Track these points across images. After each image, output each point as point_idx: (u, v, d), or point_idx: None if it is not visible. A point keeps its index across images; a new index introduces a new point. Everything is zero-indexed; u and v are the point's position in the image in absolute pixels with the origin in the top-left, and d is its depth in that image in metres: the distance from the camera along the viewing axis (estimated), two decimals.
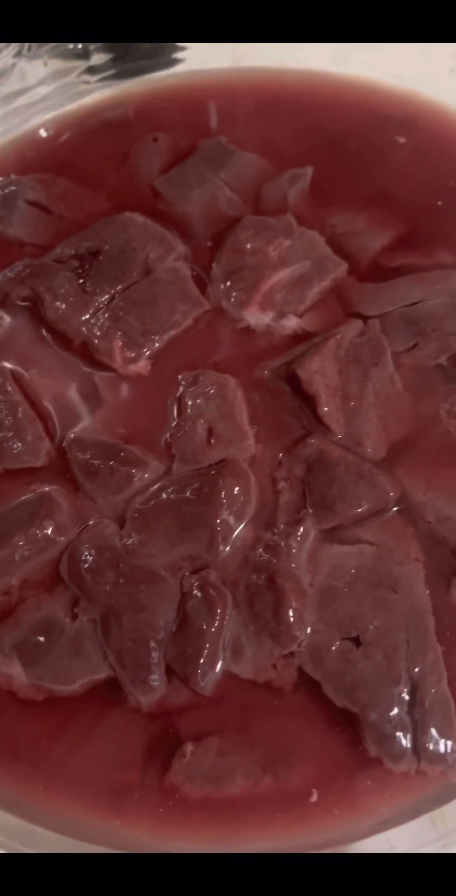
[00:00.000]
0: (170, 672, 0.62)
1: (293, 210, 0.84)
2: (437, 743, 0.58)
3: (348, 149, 0.90)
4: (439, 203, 0.84)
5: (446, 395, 0.71)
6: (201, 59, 0.98)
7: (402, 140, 0.90)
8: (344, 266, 0.79)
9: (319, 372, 0.70)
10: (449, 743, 0.58)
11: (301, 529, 0.65)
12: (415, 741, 0.58)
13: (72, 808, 0.60)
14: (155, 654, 0.61)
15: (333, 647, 0.61)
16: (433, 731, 0.58)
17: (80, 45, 0.94)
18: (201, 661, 0.61)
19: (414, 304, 0.75)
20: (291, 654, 0.61)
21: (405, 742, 0.58)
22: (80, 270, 0.79)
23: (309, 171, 0.87)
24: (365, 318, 0.75)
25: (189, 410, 0.71)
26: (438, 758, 0.58)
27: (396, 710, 0.58)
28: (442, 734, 0.58)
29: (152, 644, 0.62)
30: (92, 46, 0.95)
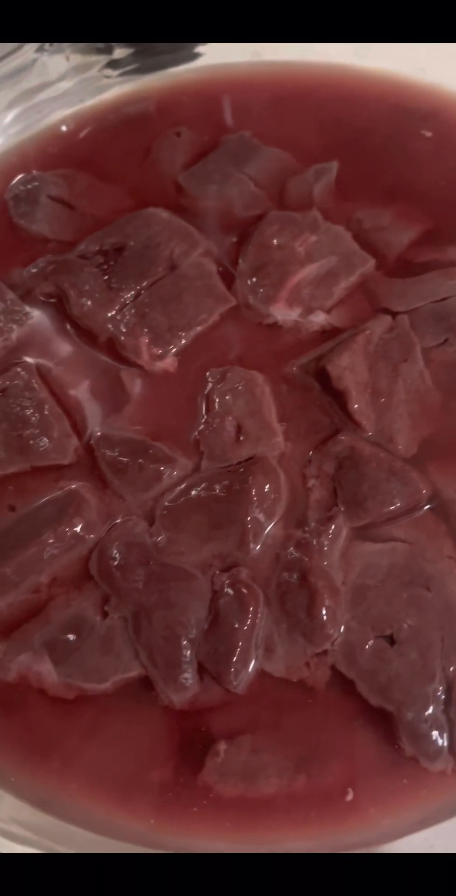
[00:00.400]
0: (202, 670, 0.61)
1: (319, 205, 0.83)
2: None
3: (372, 143, 0.89)
4: None
5: None
6: (222, 53, 0.98)
7: (427, 133, 0.90)
8: (371, 261, 0.78)
9: (349, 368, 0.69)
10: None
11: (333, 527, 0.64)
12: (451, 740, 0.58)
13: (104, 807, 0.59)
14: (187, 652, 0.61)
15: (367, 646, 0.60)
16: None
17: None
18: (234, 659, 0.60)
19: (443, 299, 0.74)
20: (325, 652, 0.61)
21: (441, 741, 0.58)
22: (105, 266, 0.79)
23: (334, 166, 0.86)
24: (394, 314, 0.74)
25: (217, 407, 0.70)
26: None
27: (431, 709, 0.58)
28: None
29: (184, 642, 0.61)
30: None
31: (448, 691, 0.59)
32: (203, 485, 0.67)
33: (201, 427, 0.70)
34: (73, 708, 0.62)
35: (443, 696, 0.58)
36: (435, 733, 0.58)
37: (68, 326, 0.78)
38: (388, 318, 0.74)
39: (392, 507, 0.65)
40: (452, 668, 0.59)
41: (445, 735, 0.58)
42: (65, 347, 0.77)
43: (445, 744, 0.57)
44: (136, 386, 0.74)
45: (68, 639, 0.63)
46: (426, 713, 0.58)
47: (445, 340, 0.72)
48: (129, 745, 0.61)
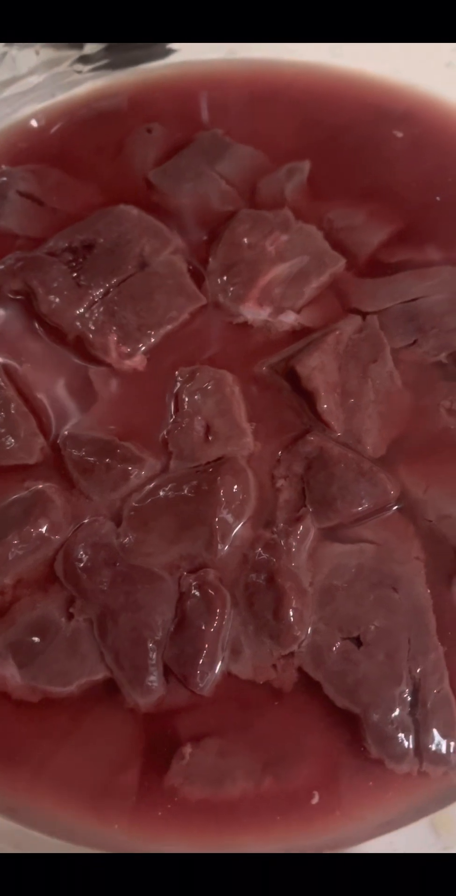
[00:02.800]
0: (168, 672, 0.61)
1: (290, 204, 0.83)
2: (439, 744, 0.57)
3: (346, 142, 0.89)
4: (438, 198, 0.84)
5: (446, 392, 0.70)
6: (196, 50, 0.97)
7: (399, 134, 0.90)
8: (342, 261, 0.78)
9: (319, 368, 0.69)
10: (451, 743, 0.57)
11: (301, 528, 0.64)
12: (417, 742, 0.57)
13: (69, 812, 0.59)
14: (153, 655, 0.60)
15: (334, 648, 0.60)
16: (435, 731, 0.57)
17: None
18: (200, 661, 0.60)
19: (413, 300, 0.74)
20: (292, 654, 0.61)
21: (407, 743, 0.57)
22: (74, 263, 0.78)
23: (306, 165, 0.86)
24: (364, 314, 0.75)
25: (186, 407, 0.70)
26: (440, 759, 0.57)
27: (397, 711, 0.58)
28: (444, 735, 0.57)
29: (150, 644, 0.61)
30: None
31: (414, 693, 0.58)
32: (171, 485, 0.66)
33: (170, 427, 0.70)
34: (38, 712, 0.61)
35: (409, 699, 0.58)
36: (401, 735, 0.57)
37: (36, 324, 0.77)
38: (358, 319, 0.74)
39: (360, 508, 0.65)
40: (418, 670, 0.59)
41: (410, 737, 0.57)
42: (32, 345, 0.76)
43: (411, 746, 0.57)
44: (104, 385, 0.73)
45: (33, 641, 0.62)
46: (392, 715, 0.58)
47: (415, 341, 0.72)
48: (94, 748, 0.60)
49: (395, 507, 0.66)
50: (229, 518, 0.65)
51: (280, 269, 0.77)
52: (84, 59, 0.95)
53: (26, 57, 0.92)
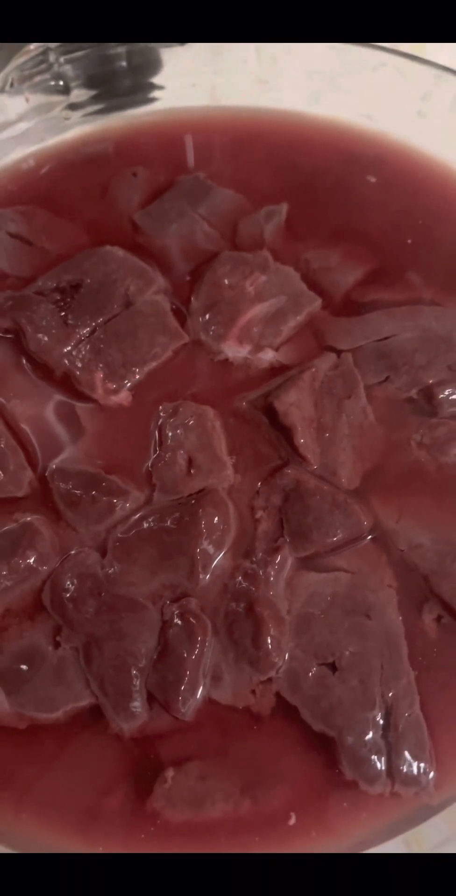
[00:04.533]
0: (151, 699, 0.63)
1: (269, 245, 0.86)
2: (410, 765, 0.60)
3: (321, 186, 0.93)
4: (409, 241, 0.87)
5: (417, 426, 0.74)
6: (179, 97, 1.01)
7: (372, 179, 0.94)
8: (318, 301, 0.81)
9: (295, 404, 0.72)
10: (422, 765, 0.60)
11: (279, 558, 0.67)
12: (389, 764, 0.60)
13: (54, 836, 0.60)
14: (136, 682, 0.63)
15: (310, 673, 0.63)
16: (407, 753, 0.60)
17: (61, 82, 0.96)
18: (182, 687, 0.62)
19: (385, 338, 0.78)
20: (270, 679, 0.63)
21: (380, 765, 0.60)
22: (62, 303, 0.81)
23: (284, 208, 0.89)
24: (338, 352, 0.78)
25: (169, 441, 0.73)
26: (411, 780, 0.60)
27: (370, 734, 0.60)
28: (415, 757, 0.60)
29: (134, 671, 0.63)
30: (73, 83, 0.97)
31: (387, 716, 0.61)
32: (154, 517, 0.69)
33: (154, 460, 0.72)
34: (26, 738, 0.63)
35: (382, 722, 0.61)
36: (374, 757, 0.60)
37: (24, 361, 0.79)
38: (333, 356, 0.77)
39: (335, 538, 0.67)
40: (390, 694, 0.62)
41: (383, 759, 0.60)
42: (21, 381, 0.79)
43: (384, 767, 0.60)
44: (90, 420, 0.76)
45: (21, 669, 0.64)
46: (366, 738, 0.60)
47: (387, 378, 0.76)
48: (80, 773, 0.62)
49: (368, 537, 0.69)
50: (210, 548, 0.67)
51: (259, 309, 0.80)
52: (72, 106, 0.98)
53: (16, 104, 0.95)
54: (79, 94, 0.98)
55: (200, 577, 0.66)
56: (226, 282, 0.82)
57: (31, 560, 0.68)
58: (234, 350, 0.79)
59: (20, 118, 0.95)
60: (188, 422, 0.73)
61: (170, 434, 0.73)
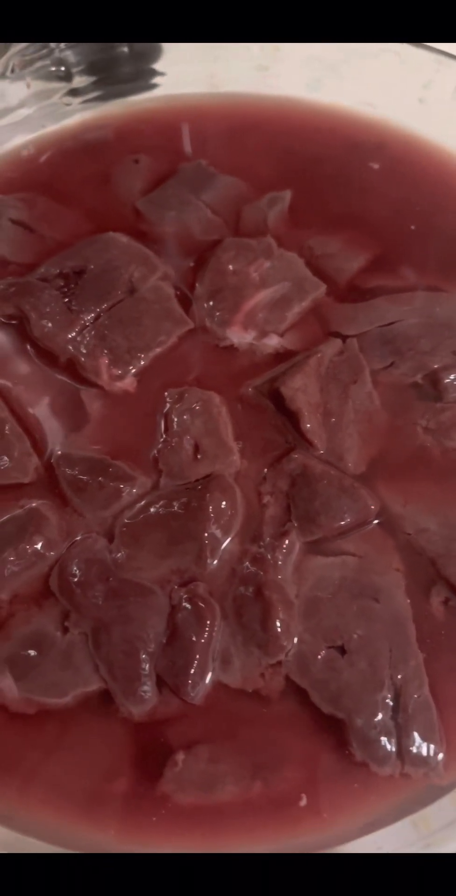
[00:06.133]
0: (160, 683, 0.63)
1: (272, 232, 0.86)
2: (419, 747, 0.60)
3: (324, 173, 0.93)
4: (412, 227, 0.88)
5: (422, 411, 0.74)
6: (180, 83, 1.01)
7: (375, 166, 0.94)
8: (323, 287, 0.81)
9: (302, 389, 0.72)
10: (431, 746, 0.60)
11: (286, 542, 0.67)
12: (399, 745, 0.60)
13: (65, 820, 0.60)
14: (145, 666, 0.63)
15: (319, 656, 0.63)
16: (416, 735, 0.60)
17: (63, 68, 0.95)
18: (192, 671, 0.62)
19: (390, 324, 0.78)
20: (279, 663, 0.63)
21: (390, 746, 0.60)
22: (66, 289, 0.80)
23: (287, 195, 0.89)
24: (344, 338, 0.78)
25: (175, 427, 0.73)
26: (420, 761, 0.60)
27: (380, 716, 0.61)
28: (424, 738, 0.60)
29: (143, 656, 0.63)
30: (74, 69, 0.96)
31: (396, 698, 0.61)
32: (162, 502, 0.69)
33: (160, 446, 0.72)
34: (34, 723, 0.63)
35: (391, 704, 0.61)
36: (384, 739, 0.60)
37: (29, 347, 0.79)
38: (338, 342, 0.77)
39: (343, 523, 0.68)
40: (399, 676, 0.62)
41: (393, 741, 0.60)
42: (25, 368, 0.78)
43: (394, 749, 0.60)
44: (96, 406, 0.76)
45: (29, 654, 0.64)
46: (375, 720, 0.60)
47: (392, 363, 0.76)
48: (89, 757, 0.62)
49: (375, 522, 0.69)
50: (218, 533, 0.67)
51: (264, 295, 0.80)
52: (73, 92, 0.98)
53: (17, 89, 0.95)
54: (80, 81, 0.98)
55: (208, 561, 0.66)
56: (230, 268, 0.82)
57: (39, 545, 0.67)
58: (239, 336, 0.79)
59: (21, 104, 0.95)
60: (194, 407, 0.73)
61: (176, 420, 0.73)
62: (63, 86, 0.97)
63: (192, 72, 1.00)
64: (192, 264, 0.85)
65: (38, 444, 0.74)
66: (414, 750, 0.60)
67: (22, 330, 0.80)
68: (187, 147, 0.97)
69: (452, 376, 0.74)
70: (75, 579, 0.66)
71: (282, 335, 0.79)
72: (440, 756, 0.60)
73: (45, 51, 0.93)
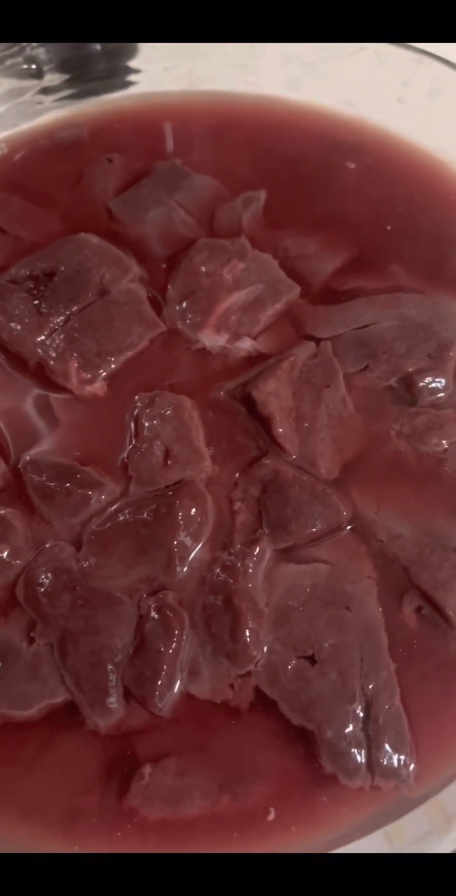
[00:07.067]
0: (127, 694, 0.62)
1: (247, 233, 0.85)
2: (390, 758, 0.59)
3: (300, 173, 0.92)
4: (389, 228, 0.86)
5: (397, 415, 0.73)
6: (155, 81, 0.99)
7: (352, 166, 0.93)
8: (297, 289, 0.80)
9: (274, 394, 0.71)
10: (402, 758, 0.59)
11: (257, 549, 0.66)
12: (369, 757, 0.59)
13: (28, 834, 0.59)
14: (112, 677, 0.61)
15: (289, 666, 0.62)
16: (387, 746, 0.59)
17: (34, 66, 0.94)
18: (159, 682, 0.61)
19: (365, 326, 0.77)
20: (248, 673, 0.62)
21: (360, 758, 0.59)
22: (35, 291, 0.79)
23: (262, 195, 0.88)
24: (317, 341, 0.77)
25: (146, 432, 0.71)
26: (391, 772, 0.59)
27: (350, 727, 0.60)
28: (395, 749, 0.59)
29: (110, 667, 0.62)
30: (45, 67, 0.95)
31: (367, 709, 0.60)
32: (130, 509, 0.68)
33: (130, 451, 0.71)
34: None
35: (362, 715, 0.60)
36: (354, 751, 0.59)
37: None
38: (312, 345, 0.76)
39: (314, 529, 0.67)
40: (370, 687, 0.61)
41: (363, 752, 0.59)
42: None
43: (364, 761, 0.59)
44: (65, 411, 0.75)
45: None
46: (346, 731, 0.59)
47: (366, 366, 0.75)
48: (54, 771, 0.61)
49: (348, 528, 0.68)
50: (187, 541, 0.66)
51: (237, 297, 0.79)
52: (46, 90, 0.96)
53: None
54: (52, 79, 0.96)
55: (177, 569, 0.65)
56: (203, 269, 0.80)
57: (5, 554, 0.66)
58: (211, 339, 0.77)
59: None
60: (165, 412, 0.72)
61: (146, 424, 0.72)
62: (35, 83, 0.95)
63: (168, 69, 0.99)
64: (164, 266, 0.83)
65: (5, 450, 0.72)
66: (384, 762, 0.59)
67: None
68: (163, 146, 0.95)
69: (427, 379, 0.74)
70: (42, 589, 0.65)
71: (255, 338, 0.78)
72: (411, 767, 0.59)
73: (15, 48, 0.91)
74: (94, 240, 0.83)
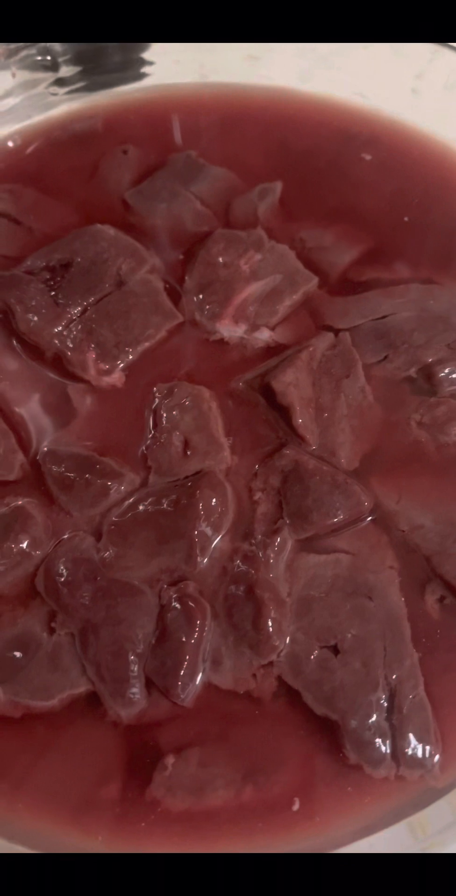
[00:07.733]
0: (149, 685, 0.61)
1: (263, 224, 0.85)
2: (415, 748, 0.59)
3: (315, 165, 0.92)
4: (406, 219, 0.86)
5: (416, 406, 0.73)
6: (169, 73, 0.99)
7: (367, 157, 0.92)
8: (315, 280, 0.80)
9: (293, 384, 0.71)
10: (427, 747, 0.59)
11: (278, 540, 0.65)
12: (394, 747, 0.59)
13: (53, 826, 0.59)
14: (134, 667, 0.61)
15: (312, 656, 0.62)
16: (411, 736, 0.59)
17: (48, 57, 0.94)
18: (181, 672, 0.61)
19: (383, 317, 0.77)
20: (271, 663, 0.62)
21: (384, 748, 0.59)
22: (52, 282, 0.79)
23: (278, 186, 0.88)
24: (336, 331, 0.77)
25: (165, 422, 0.71)
26: (416, 762, 0.59)
27: (374, 717, 0.59)
28: (420, 739, 0.59)
29: (131, 657, 0.61)
30: (60, 59, 0.94)
31: (391, 699, 0.60)
32: (150, 499, 0.67)
33: (149, 442, 0.71)
34: (20, 727, 0.61)
35: (386, 704, 0.60)
36: (378, 740, 0.59)
37: (14, 342, 0.77)
38: (330, 336, 0.76)
39: (335, 520, 0.66)
40: (394, 676, 0.61)
41: (388, 742, 0.59)
42: (11, 363, 0.77)
43: (388, 750, 0.59)
44: (83, 401, 0.74)
45: (15, 656, 0.62)
46: (370, 721, 0.59)
47: (385, 357, 0.75)
48: (77, 762, 0.61)
49: (368, 518, 0.68)
50: (208, 531, 0.66)
51: (254, 288, 0.79)
52: (60, 82, 0.96)
53: (2, 79, 0.93)
54: (67, 71, 0.96)
55: (199, 560, 0.65)
56: (220, 260, 0.80)
57: (24, 544, 0.66)
58: (229, 330, 0.77)
59: (7, 94, 0.93)
60: (184, 403, 0.72)
61: (165, 415, 0.71)
62: (49, 76, 0.95)
63: (181, 61, 0.99)
64: (181, 257, 0.83)
65: (24, 441, 0.72)
66: (409, 751, 0.59)
67: (7, 324, 0.78)
68: (177, 138, 0.95)
69: (446, 370, 0.73)
70: (62, 579, 0.64)
71: (273, 329, 0.77)
72: (436, 757, 0.59)
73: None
74: (110, 231, 0.82)
